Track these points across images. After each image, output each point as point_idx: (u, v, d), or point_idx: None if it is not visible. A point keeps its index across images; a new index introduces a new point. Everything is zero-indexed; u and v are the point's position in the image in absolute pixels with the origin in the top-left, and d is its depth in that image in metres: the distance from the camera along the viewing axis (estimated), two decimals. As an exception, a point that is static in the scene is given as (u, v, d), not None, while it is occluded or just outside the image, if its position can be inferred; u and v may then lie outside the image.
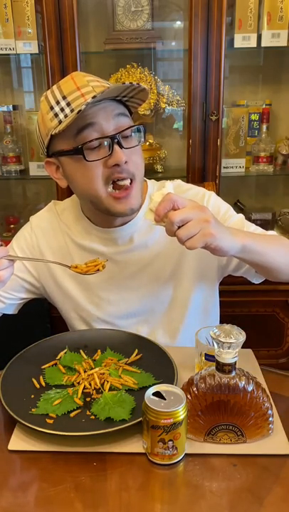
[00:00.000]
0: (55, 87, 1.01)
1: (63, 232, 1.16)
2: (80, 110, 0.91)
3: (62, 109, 0.98)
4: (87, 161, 0.97)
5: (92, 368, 0.97)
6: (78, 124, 0.96)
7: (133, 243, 1.11)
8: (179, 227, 0.82)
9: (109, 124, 0.97)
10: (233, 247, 0.89)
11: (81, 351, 1.03)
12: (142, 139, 1.03)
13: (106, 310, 1.16)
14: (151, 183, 1.17)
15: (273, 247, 1.01)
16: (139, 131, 1.02)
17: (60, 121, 0.98)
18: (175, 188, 1.12)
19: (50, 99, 1.00)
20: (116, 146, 0.96)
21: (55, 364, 1.00)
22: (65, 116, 0.97)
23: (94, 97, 0.91)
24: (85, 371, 0.96)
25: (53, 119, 0.99)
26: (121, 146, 0.97)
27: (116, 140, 0.96)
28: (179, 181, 1.19)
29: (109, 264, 1.10)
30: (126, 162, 0.97)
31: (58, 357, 1.01)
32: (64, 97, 0.98)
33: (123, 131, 0.98)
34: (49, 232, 1.17)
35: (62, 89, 0.99)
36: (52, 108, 0.99)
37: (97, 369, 0.96)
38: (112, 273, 1.12)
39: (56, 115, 0.98)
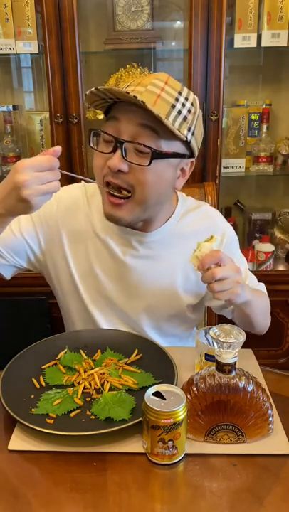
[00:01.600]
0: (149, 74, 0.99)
1: (86, 217, 1.11)
2: (96, 88, 0.91)
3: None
4: (89, 146, 0.99)
5: (92, 368, 0.97)
6: (110, 112, 0.98)
7: (147, 251, 1.10)
8: (216, 281, 0.90)
9: (128, 129, 0.93)
10: (241, 300, 0.98)
11: (81, 351, 1.03)
12: (147, 163, 0.93)
13: (107, 309, 1.15)
14: (182, 198, 1.16)
15: (261, 306, 1.12)
16: (147, 151, 0.93)
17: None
18: (181, 201, 1.16)
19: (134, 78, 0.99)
20: (118, 152, 0.93)
21: (55, 364, 0.99)
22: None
23: (97, 88, 0.91)
24: (85, 371, 0.96)
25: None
26: (124, 155, 0.93)
27: (119, 146, 0.93)
28: (188, 198, 1.19)
29: (120, 265, 1.09)
30: (120, 171, 0.94)
31: (58, 357, 1.01)
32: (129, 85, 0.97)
33: (129, 141, 0.93)
34: (73, 213, 1.11)
35: (138, 79, 0.98)
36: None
37: (97, 369, 0.96)
38: (120, 275, 1.11)
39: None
